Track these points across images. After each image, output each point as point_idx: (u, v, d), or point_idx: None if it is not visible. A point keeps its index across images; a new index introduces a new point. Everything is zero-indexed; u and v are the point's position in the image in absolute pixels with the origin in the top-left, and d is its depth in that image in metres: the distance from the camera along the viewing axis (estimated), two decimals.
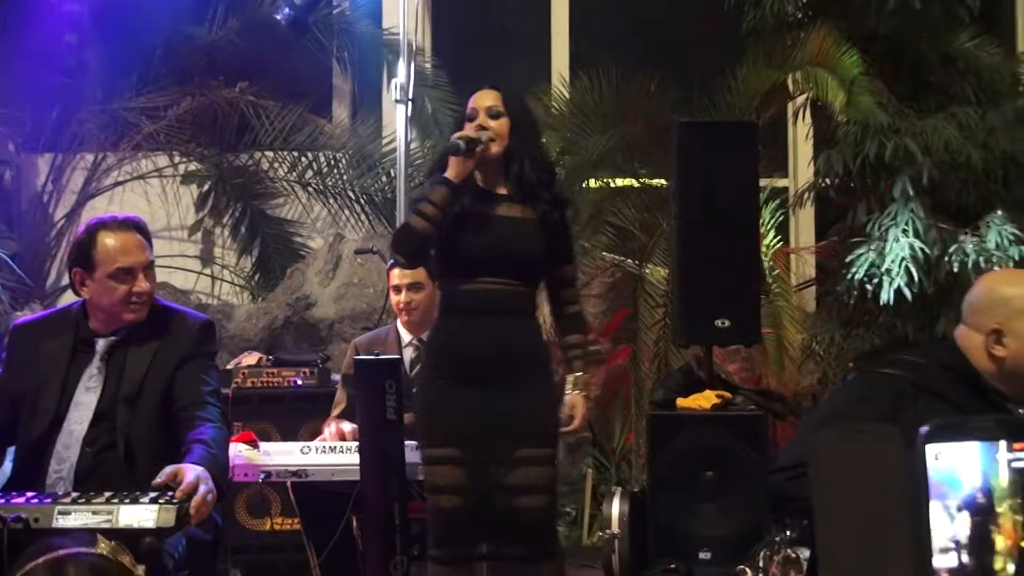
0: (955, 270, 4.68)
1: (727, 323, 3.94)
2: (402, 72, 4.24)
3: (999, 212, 4.81)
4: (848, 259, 4.94)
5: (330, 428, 3.49)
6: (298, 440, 3.65)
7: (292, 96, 6.14)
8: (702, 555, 3.83)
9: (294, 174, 6.10)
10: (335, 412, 3.64)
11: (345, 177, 6.01)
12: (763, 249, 4.89)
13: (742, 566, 3.62)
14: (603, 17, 6.64)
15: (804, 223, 6.27)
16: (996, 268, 4.79)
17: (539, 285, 2.93)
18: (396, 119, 4.39)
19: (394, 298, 3.67)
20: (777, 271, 5.22)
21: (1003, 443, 1.41)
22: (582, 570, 4.49)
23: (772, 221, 5.60)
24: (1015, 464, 1.41)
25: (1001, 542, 1.38)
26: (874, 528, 1.54)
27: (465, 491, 2.77)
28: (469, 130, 2.83)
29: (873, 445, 1.69)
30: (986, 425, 1.50)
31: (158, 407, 2.48)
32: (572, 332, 2.99)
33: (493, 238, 2.79)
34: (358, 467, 2.99)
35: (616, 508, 3.92)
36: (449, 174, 2.77)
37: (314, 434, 3.79)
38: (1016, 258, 4.71)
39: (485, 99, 2.86)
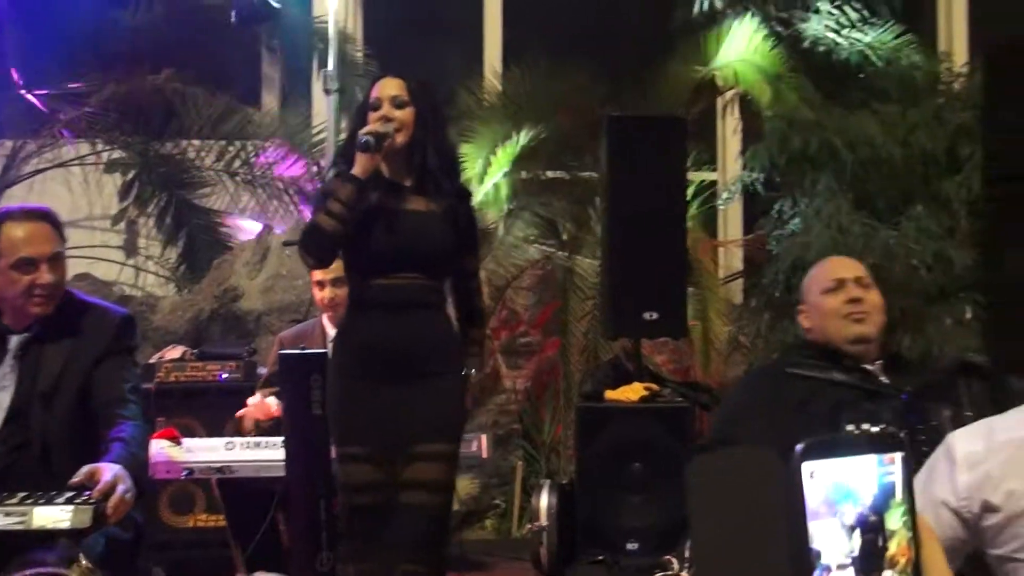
0: (876, 263, 4.79)
1: (655, 316, 3.97)
2: (331, 61, 4.20)
3: (919, 207, 4.93)
4: (773, 252, 5.03)
5: (255, 399, 3.44)
6: (223, 435, 3.59)
7: (220, 84, 6.04)
8: (629, 546, 3.86)
9: (221, 163, 6.00)
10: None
11: (273, 167, 5.93)
12: (691, 242, 4.93)
13: (668, 556, 3.67)
14: (537, 8, 6.64)
15: (732, 216, 6.36)
16: (914, 262, 4.92)
17: (447, 278, 2.89)
18: (326, 108, 4.35)
19: (318, 294, 3.63)
20: (705, 264, 5.28)
21: (875, 457, 1.46)
22: (511, 563, 4.50)
23: (701, 214, 5.67)
24: (887, 478, 1.45)
25: (897, 558, 1.42)
26: (752, 547, 1.57)
27: (375, 489, 2.72)
28: (373, 122, 2.74)
29: (747, 464, 1.76)
30: (856, 441, 1.56)
31: (75, 405, 2.42)
32: (474, 327, 2.97)
33: (402, 233, 2.74)
34: (283, 463, 2.96)
35: (544, 500, 3.93)
36: (356, 171, 2.70)
37: (239, 431, 3.73)
38: (933, 252, 4.84)
39: (389, 88, 2.79)
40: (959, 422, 2.09)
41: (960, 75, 5.66)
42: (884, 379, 2.44)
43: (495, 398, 5.55)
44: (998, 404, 2.03)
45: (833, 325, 2.49)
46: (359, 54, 6.02)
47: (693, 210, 5.40)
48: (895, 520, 1.43)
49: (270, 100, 6.39)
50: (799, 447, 1.53)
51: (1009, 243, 3.31)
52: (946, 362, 2.36)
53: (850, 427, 2.20)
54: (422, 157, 2.78)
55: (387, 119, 2.74)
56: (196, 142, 5.98)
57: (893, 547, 1.42)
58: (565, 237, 5.40)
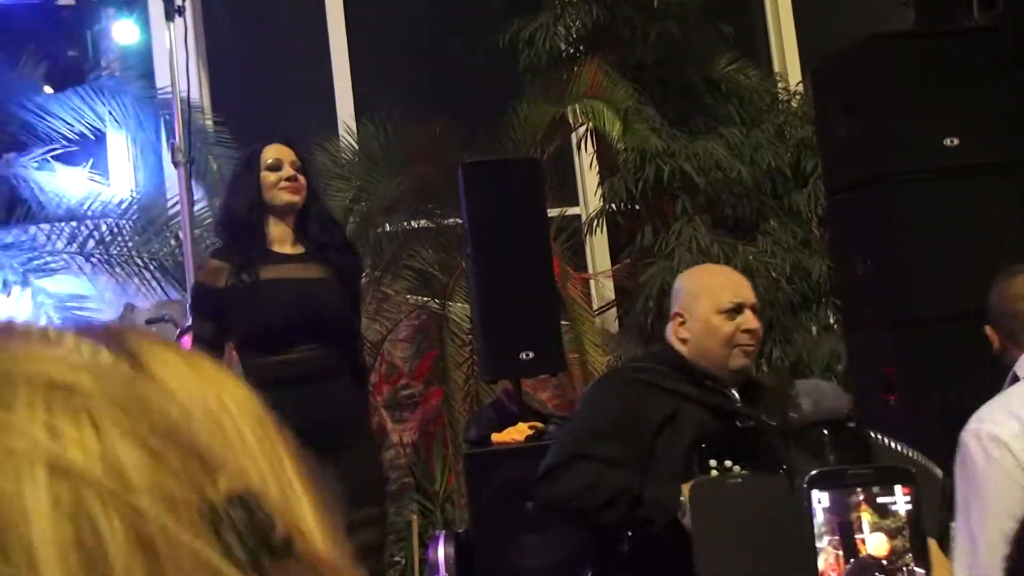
0: None
1: (531, 355, 4.00)
2: (178, 132, 4.11)
3: (772, 222, 5.13)
4: (641, 280, 5.14)
5: None
6: None
7: (67, 163, 5.85)
8: None
9: (74, 245, 5.79)
10: None
11: (131, 243, 5.76)
12: (559, 278, 5.00)
13: None
14: (384, 61, 6.67)
15: (599, 248, 6.48)
16: (774, 275, 5.11)
17: (345, 342, 2.83)
18: (178, 180, 4.25)
19: None
20: (576, 298, 5.36)
21: (897, 488, 1.54)
22: None
23: (568, 249, 5.76)
24: (893, 505, 1.54)
25: None
26: (758, 566, 1.61)
27: None
28: (274, 185, 2.68)
29: (753, 487, 1.82)
30: (864, 473, 1.62)
31: None
32: (357, 387, 2.94)
33: (299, 304, 2.67)
34: None
35: (441, 552, 3.89)
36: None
37: None
38: (791, 264, 5.04)
39: (286, 153, 2.75)
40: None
41: (796, 93, 5.94)
42: (739, 403, 2.32)
43: (384, 453, 5.48)
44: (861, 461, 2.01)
45: (719, 350, 2.30)
46: (209, 122, 5.93)
47: (559, 245, 5.49)
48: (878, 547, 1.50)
49: (121, 176, 6.22)
50: (809, 476, 1.60)
51: (855, 249, 3.46)
52: (804, 418, 2.18)
53: (712, 461, 2.09)
54: (315, 224, 2.75)
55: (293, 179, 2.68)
56: (45, 226, 5.77)
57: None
58: (436, 285, 5.40)
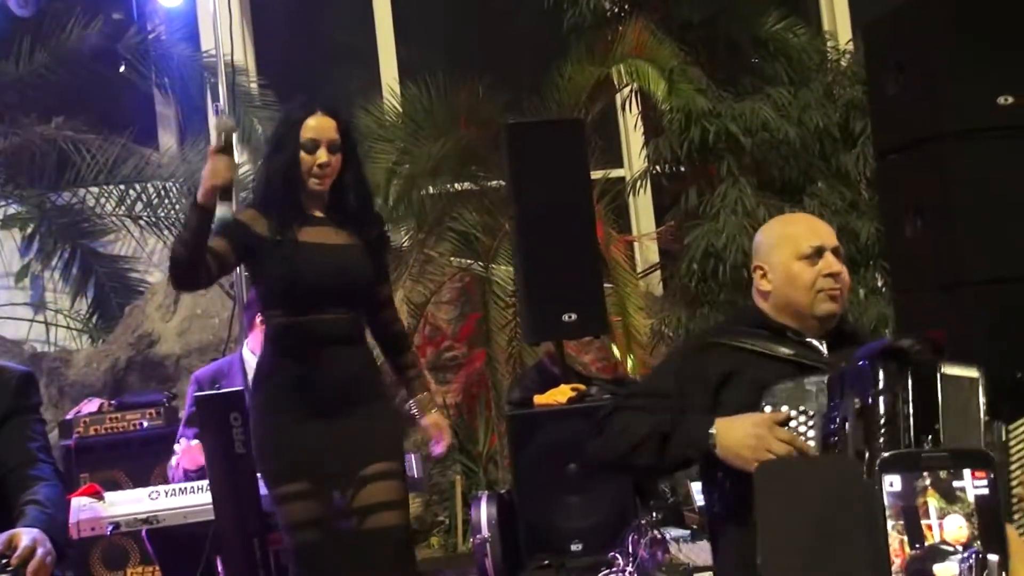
0: None
1: (574, 316, 4.00)
2: (222, 95, 4.14)
3: (819, 184, 5.05)
4: (685, 242, 5.10)
5: (180, 445, 3.37)
6: (151, 484, 3.51)
7: (114, 127, 5.92)
8: (574, 547, 3.88)
9: (123, 208, 5.87)
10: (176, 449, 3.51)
11: (177, 207, 5.82)
12: (603, 240, 4.98)
13: (613, 553, 3.70)
14: (428, 23, 6.64)
15: (643, 210, 6.44)
16: None
17: (365, 310, 2.85)
18: None
19: None
20: (619, 260, 5.33)
21: (967, 472, 1.54)
22: None
23: (611, 211, 5.73)
24: (970, 489, 1.52)
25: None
26: (824, 548, 1.60)
27: (323, 523, 2.68)
28: (309, 168, 2.67)
29: (821, 468, 1.79)
30: (939, 456, 1.59)
31: None
32: (401, 352, 2.95)
33: (326, 270, 2.69)
34: (211, 506, 2.90)
35: (484, 512, 3.93)
36: (201, 199, 2.58)
37: (167, 477, 3.66)
38: (838, 226, 4.95)
39: (328, 130, 2.70)
40: (867, 416, 1.90)
41: (846, 51, 5.82)
42: (825, 355, 2.19)
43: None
44: (922, 396, 1.91)
45: (803, 297, 2.19)
46: (254, 85, 5.95)
47: (603, 208, 5.46)
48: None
49: (168, 139, 6.27)
50: (881, 459, 1.57)
51: (905, 211, 3.39)
52: (870, 346, 2.01)
53: (767, 408, 2.03)
54: (347, 194, 2.76)
55: (322, 165, 2.67)
56: (95, 189, 5.85)
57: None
58: (480, 247, 5.40)
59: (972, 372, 2.02)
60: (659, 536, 3.69)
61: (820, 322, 2.21)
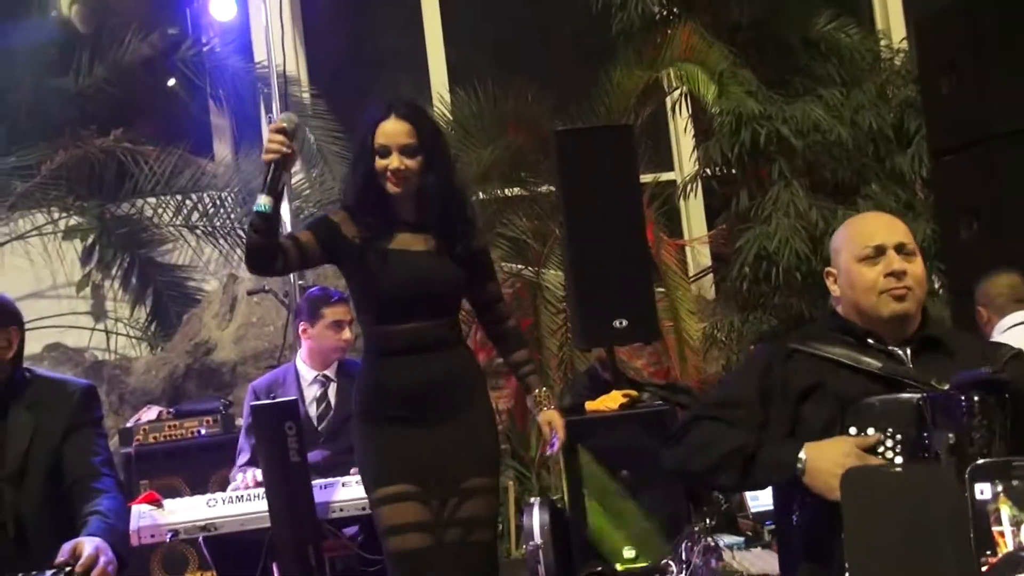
0: None
1: (625, 323, 3.97)
2: (275, 106, 4.20)
3: (873, 185, 4.99)
4: (737, 245, 5.06)
5: (244, 476, 3.42)
6: (209, 491, 3.57)
7: (171, 139, 6.04)
8: (627, 553, 3.86)
9: (180, 218, 5.98)
10: (240, 461, 3.57)
11: (233, 216, 5.92)
12: (654, 244, 4.96)
13: (666, 560, 3.68)
14: (477, 29, 6.68)
15: (694, 214, 6.41)
16: None
17: (459, 312, 2.84)
18: None
19: (335, 335, 3.57)
20: (670, 264, 5.30)
21: None
22: None
23: (663, 215, 5.71)
24: None
25: None
26: (913, 558, 1.58)
27: (428, 527, 2.64)
28: (380, 166, 2.64)
29: (910, 477, 1.76)
30: None
31: (46, 483, 2.39)
32: (515, 349, 2.92)
33: (417, 280, 2.67)
34: (267, 513, 2.95)
35: (536, 519, 3.92)
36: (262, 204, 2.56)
37: (224, 483, 3.72)
38: None
39: (399, 135, 2.65)
40: (961, 453, 1.83)
41: (900, 51, 5.74)
42: (910, 366, 2.09)
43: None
44: (1019, 432, 1.86)
45: (867, 300, 2.11)
46: (306, 95, 6.03)
47: (654, 212, 5.44)
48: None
49: (223, 150, 6.38)
50: (971, 468, 1.54)
51: (960, 212, 3.35)
52: (966, 376, 1.92)
53: (852, 431, 1.95)
54: (431, 202, 2.71)
55: (391, 169, 2.65)
56: (152, 199, 5.97)
57: None
58: (530, 253, 5.41)
59: None
60: (712, 543, 3.66)
61: (892, 325, 2.11)
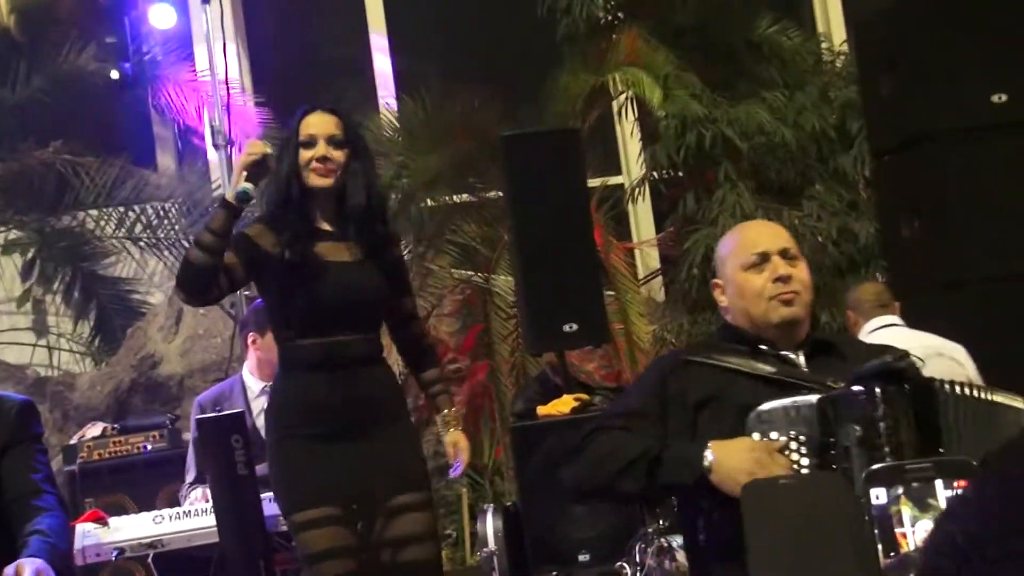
0: None
1: (575, 326, 3.98)
2: (218, 115, 4.15)
3: (817, 186, 5.05)
4: (685, 247, 5.10)
5: (194, 496, 3.36)
6: (157, 507, 3.51)
7: (112, 149, 5.94)
8: (581, 557, 3.86)
9: (122, 230, 5.88)
10: (188, 477, 3.51)
11: (177, 227, 5.83)
12: (603, 248, 4.98)
13: (620, 562, 3.68)
14: (422, 36, 6.66)
15: (643, 217, 6.44)
16: (820, 239, 5.04)
17: (381, 327, 2.74)
18: (220, 162, 4.30)
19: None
20: (619, 267, 5.32)
21: (939, 483, 1.52)
22: None
23: (611, 219, 5.73)
24: (944, 498, 1.54)
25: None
26: (814, 567, 1.58)
27: (353, 552, 2.53)
28: (305, 157, 2.55)
29: (808, 485, 1.75)
30: (924, 468, 1.56)
31: None
32: (427, 367, 2.84)
33: (334, 288, 2.57)
34: (216, 528, 2.90)
35: (490, 525, 3.91)
36: (229, 195, 2.50)
37: (173, 499, 3.65)
38: (837, 228, 4.95)
39: (326, 125, 2.59)
40: (870, 444, 1.82)
41: (840, 53, 5.82)
42: (806, 369, 2.08)
43: (431, 428, 5.52)
44: (922, 420, 1.85)
45: (757, 307, 2.10)
46: (249, 103, 5.96)
47: (602, 216, 5.45)
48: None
49: (166, 160, 6.29)
50: (866, 473, 1.54)
51: (902, 211, 3.39)
52: (865, 368, 1.91)
53: (755, 436, 1.92)
54: (354, 201, 2.61)
55: (325, 159, 2.56)
56: (94, 212, 5.87)
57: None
58: (480, 259, 5.40)
59: (1019, 403, 1.94)
60: (666, 544, 3.67)
61: (783, 330, 2.10)
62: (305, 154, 2.58)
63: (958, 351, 3.37)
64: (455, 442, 2.79)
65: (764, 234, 2.19)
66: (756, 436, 1.92)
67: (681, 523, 2.18)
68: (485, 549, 3.88)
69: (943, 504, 1.51)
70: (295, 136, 2.62)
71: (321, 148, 2.58)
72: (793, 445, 1.90)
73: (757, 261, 2.12)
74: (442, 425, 2.83)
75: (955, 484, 1.50)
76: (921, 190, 3.32)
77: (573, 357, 4.95)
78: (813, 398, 1.93)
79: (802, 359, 2.10)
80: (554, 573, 3.83)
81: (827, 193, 5.19)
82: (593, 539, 3.85)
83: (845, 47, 5.82)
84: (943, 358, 3.04)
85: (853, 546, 1.53)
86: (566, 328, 3.97)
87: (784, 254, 2.12)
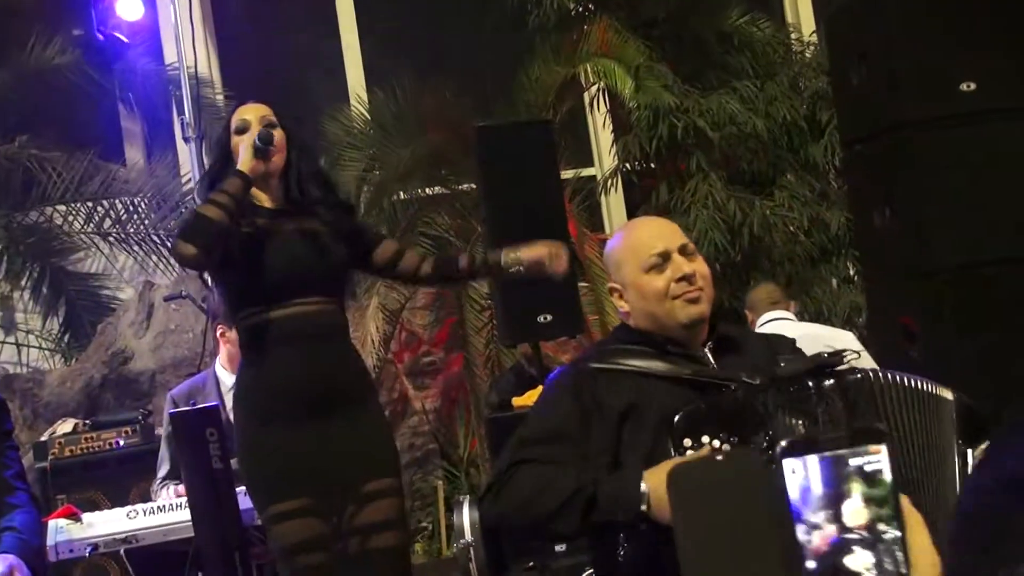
0: (757, 235, 4.92)
1: (549, 317, 3.98)
2: (187, 108, 4.11)
3: (788, 176, 5.08)
4: None
5: (167, 493, 3.33)
6: (130, 503, 3.48)
7: (80, 144, 5.86)
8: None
9: (91, 225, 5.82)
10: (160, 472, 3.48)
11: (147, 222, 5.78)
12: (576, 239, 4.98)
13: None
14: (393, 29, 6.63)
15: (616, 208, 6.45)
16: (792, 229, 5.07)
17: (346, 300, 2.73)
18: (190, 156, 4.26)
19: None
20: (593, 258, 5.33)
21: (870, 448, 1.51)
22: None
23: (584, 210, 5.73)
24: (868, 467, 1.50)
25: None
26: (741, 546, 1.56)
27: (326, 542, 2.50)
28: (237, 143, 2.55)
29: (729, 464, 1.71)
30: (837, 437, 1.54)
31: None
32: (458, 261, 2.82)
33: (294, 255, 2.55)
34: (190, 523, 2.88)
35: (466, 517, 3.90)
36: (243, 167, 2.50)
37: (146, 495, 3.63)
38: (808, 217, 4.99)
39: (256, 111, 2.61)
40: (809, 433, 1.77)
41: (810, 43, 5.86)
42: (715, 366, 2.03)
43: (407, 421, 5.51)
44: (853, 411, 1.83)
45: (662, 308, 2.02)
46: (219, 97, 5.91)
47: (575, 207, 5.46)
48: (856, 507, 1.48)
49: (134, 154, 6.23)
50: (780, 447, 1.52)
51: (873, 200, 3.42)
52: (795, 365, 1.88)
53: (687, 442, 1.83)
54: (298, 177, 2.63)
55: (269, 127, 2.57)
56: (62, 207, 5.80)
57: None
58: (453, 251, 5.38)
59: (947, 394, 1.94)
60: None
61: (689, 329, 2.04)
62: (236, 140, 2.59)
63: (847, 337, 3.50)
64: (536, 250, 2.77)
65: (660, 233, 2.11)
66: (688, 442, 1.84)
67: (593, 540, 2.05)
68: (462, 540, 3.87)
69: (889, 479, 1.50)
70: (229, 128, 2.65)
71: (253, 131, 2.58)
72: (726, 447, 1.83)
73: (658, 262, 2.05)
74: (509, 256, 2.77)
75: (869, 449, 1.50)
76: (892, 179, 3.34)
77: (548, 348, 4.96)
78: (739, 395, 1.87)
79: (710, 356, 2.06)
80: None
81: (798, 183, 5.23)
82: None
83: (815, 37, 5.86)
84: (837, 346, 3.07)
85: (778, 519, 1.52)
86: (541, 319, 3.97)
87: (683, 251, 2.06)
